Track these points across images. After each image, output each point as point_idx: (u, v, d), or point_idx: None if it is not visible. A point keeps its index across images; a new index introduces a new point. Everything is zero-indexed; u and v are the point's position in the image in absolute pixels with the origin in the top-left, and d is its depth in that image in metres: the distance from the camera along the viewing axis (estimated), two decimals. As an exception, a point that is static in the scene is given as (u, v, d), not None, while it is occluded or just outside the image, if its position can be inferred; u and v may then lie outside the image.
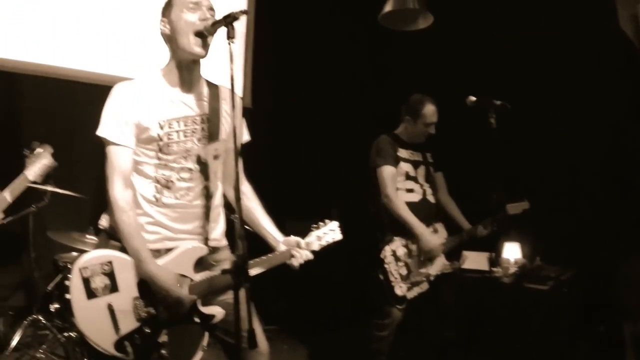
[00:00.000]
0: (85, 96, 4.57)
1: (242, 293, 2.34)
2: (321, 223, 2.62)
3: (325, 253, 2.65)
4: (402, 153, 3.84)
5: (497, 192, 3.61)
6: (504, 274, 4.30)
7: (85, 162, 4.24)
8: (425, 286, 3.71)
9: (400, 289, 3.62)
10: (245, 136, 2.58)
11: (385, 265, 3.63)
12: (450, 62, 5.30)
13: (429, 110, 3.80)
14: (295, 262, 2.48)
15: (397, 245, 3.69)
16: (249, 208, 2.57)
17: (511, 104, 3.52)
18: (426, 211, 3.81)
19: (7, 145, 4.70)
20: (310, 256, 2.51)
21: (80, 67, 4.81)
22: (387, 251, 3.67)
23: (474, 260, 4.26)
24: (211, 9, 2.34)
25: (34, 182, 2.87)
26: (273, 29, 5.97)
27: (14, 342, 3.87)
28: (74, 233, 4.06)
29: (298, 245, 2.49)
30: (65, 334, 3.76)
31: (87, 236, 3.97)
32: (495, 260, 4.30)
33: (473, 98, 3.58)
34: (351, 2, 5.85)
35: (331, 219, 2.70)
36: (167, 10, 2.36)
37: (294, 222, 3.73)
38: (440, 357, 3.98)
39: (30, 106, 4.83)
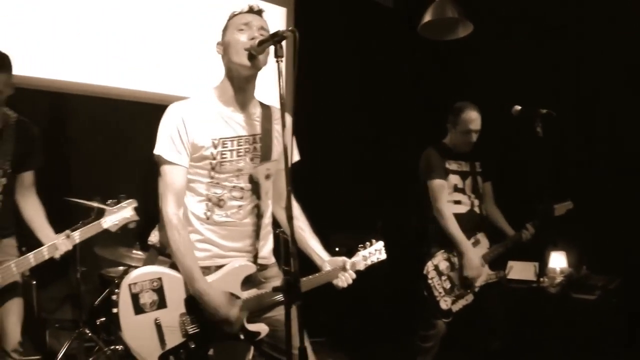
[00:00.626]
0: (132, 114, 4.69)
1: (293, 310, 2.42)
2: (367, 243, 2.66)
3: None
4: (451, 165, 3.84)
5: (544, 200, 3.60)
6: (550, 284, 4.23)
7: (131, 179, 4.32)
8: (470, 297, 3.67)
9: (445, 303, 3.61)
10: (295, 156, 2.58)
11: (429, 281, 3.63)
12: (492, 71, 5.24)
13: (468, 116, 3.76)
14: (340, 283, 2.50)
15: (439, 260, 3.70)
16: (296, 227, 2.55)
17: (556, 111, 3.46)
18: (472, 222, 3.79)
19: (57, 164, 4.86)
20: (354, 276, 2.53)
21: (126, 86, 4.90)
22: (429, 267, 3.67)
23: (520, 270, 4.20)
24: (262, 28, 2.36)
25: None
26: (310, 41, 5.94)
27: (60, 355, 3.96)
28: (120, 248, 4.12)
29: (344, 266, 2.52)
30: (111, 347, 3.84)
31: (134, 251, 4.04)
32: (542, 270, 4.23)
33: (518, 107, 3.52)
34: (392, 14, 5.84)
35: (375, 230, 2.71)
36: (223, 32, 2.42)
37: (337, 234, 3.74)
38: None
39: (79, 125, 4.96)
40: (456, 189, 3.81)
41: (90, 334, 4.02)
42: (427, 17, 4.41)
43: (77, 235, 2.87)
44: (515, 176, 4.72)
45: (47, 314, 4.46)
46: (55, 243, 2.79)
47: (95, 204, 3.11)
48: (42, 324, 4.19)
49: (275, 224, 2.67)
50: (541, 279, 4.19)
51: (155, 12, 5.00)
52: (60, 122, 4.93)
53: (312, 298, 4.35)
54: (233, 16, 2.42)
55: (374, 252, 2.67)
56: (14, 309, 2.90)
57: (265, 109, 2.51)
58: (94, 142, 4.82)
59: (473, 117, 3.76)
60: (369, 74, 5.97)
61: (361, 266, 2.60)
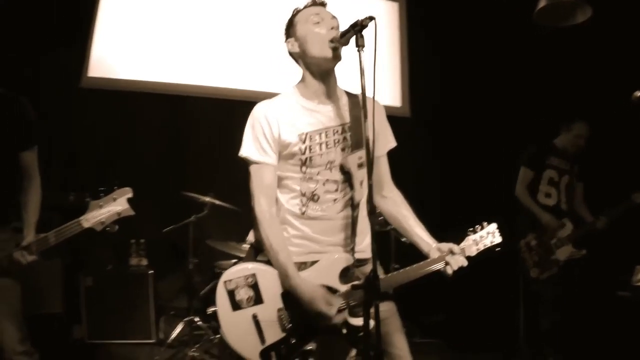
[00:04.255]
0: (244, 113, 4.86)
1: (390, 307, 2.34)
2: (478, 226, 2.45)
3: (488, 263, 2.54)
4: (553, 161, 4.29)
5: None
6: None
7: (243, 175, 4.49)
8: (555, 270, 4.13)
9: (534, 272, 4.17)
10: (391, 143, 2.52)
11: (522, 255, 4.22)
12: (613, 58, 4.90)
13: (580, 124, 4.25)
14: (449, 269, 2.32)
15: (530, 239, 4.21)
16: (398, 215, 2.49)
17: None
18: (556, 215, 4.20)
19: (174, 163, 5.19)
20: (465, 262, 2.34)
21: (239, 86, 5.18)
22: (522, 244, 4.23)
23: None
24: (333, 17, 2.35)
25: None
26: (430, 37, 5.89)
27: (170, 339, 4.23)
28: (231, 242, 4.28)
29: (451, 252, 2.33)
30: (218, 336, 3.97)
31: (244, 245, 4.11)
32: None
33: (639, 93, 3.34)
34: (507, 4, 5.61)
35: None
36: (291, 29, 2.39)
37: (457, 230, 3.66)
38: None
39: (194, 125, 5.30)
40: (551, 182, 4.27)
41: (199, 322, 4.25)
42: (543, 2, 4.17)
43: (53, 238, 2.50)
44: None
45: (163, 301, 4.77)
46: (12, 254, 2.49)
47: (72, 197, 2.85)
48: (157, 310, 4.46)
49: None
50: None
51: (260, 13, 5.23)
52: (176, 121, 5.29)
53: (425, 295, 4.38)
54: (298, 12, 2.39)
55: (486, 235, 2.43)
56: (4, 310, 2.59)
57: (352, 97, 2.44)
58: (209, 140, 5.09)
59: (583, 126, 4.25)
60: (484, 62, 5.76)
61: (472, 251, 2.39)
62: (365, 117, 2.06)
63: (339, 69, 2.36)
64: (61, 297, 4.24)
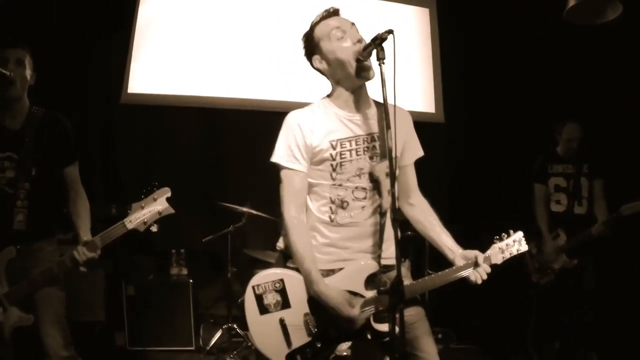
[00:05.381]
0: (279, 124, 4.95)
1: (417, 312, 2.35)
2: (504, 234, 2.44)
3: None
4: (556, 168, 4.36)
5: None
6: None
7: (279, 185, 4.56)
8: (552, 276, 4.24)
9: (534, 277, 4.35)
10: (418, 152, 2.55)
11: (525, 260, 4.37)
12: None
13: (568, 127, 4.29)
14: (473, 277, 2.33)
15: (532, 246, 4.28)
16: (425, 222, 2.50)
17: None
18: (568, 221, 4.22)
19: (212, 175, 5.34)
20: (489, 270, 2.33)
21: (273, 97, 5.29)
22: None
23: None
24: (352, 25, 2.38)
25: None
26: (462, 42, 5.88)
27: (209, 346, 4.33)
28: (268, 251, 4.39)
29: (476, 260, 2.33)
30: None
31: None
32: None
33: None
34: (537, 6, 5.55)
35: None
36: (313, 45, 2.43)
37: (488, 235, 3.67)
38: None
39: (231, 136, 5.43)
40: (558, 189, 4.33)
41: (237, 330, 4.35)
42: (572, 1, 4.12)
43: (99, 240, 2.62)
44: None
45: (202, 310, 4.88)
46: (73, 253, 2.61)
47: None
48: (197, 318, 4.56)
49: (406, 225, 2.59)
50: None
51: (291, 25, 5.25)
52: (213, 133, 5.43)
53: (462, 301, 4.37)
54: (316, 25, 2.42)
55: (512, 243, 2.42)
56: (46, 318, 2.68)
57: (380, 107, 2.41)
58: (246, 151, 5.19)
59: (572, 127, 4.28)
60: (517, 65, 5.69)
61: (498, 259, 2.38)
62: (388, 127, 2.10)
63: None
64: (103, 305, 4.37)
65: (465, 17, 5.84)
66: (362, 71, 2.31)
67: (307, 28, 2.46)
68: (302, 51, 2.49)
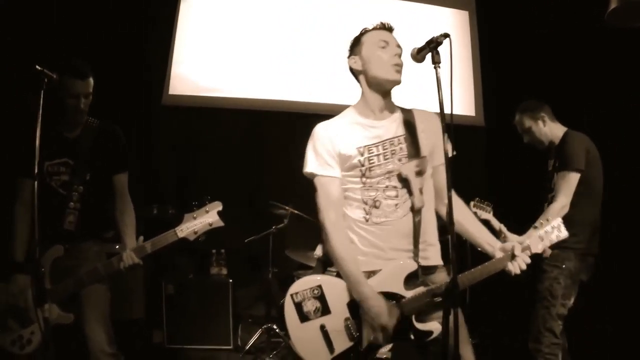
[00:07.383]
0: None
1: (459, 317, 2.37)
2: (543, 222, 2.43)
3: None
4: (548, 167, 3.95)
5: None
6: None
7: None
8: None
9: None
10: (449, 152, 2.57)
11: None
12: None
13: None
14: (512, 268, 2.32)
15: None
16: (462, 220, 2.49)
17: None
18: None
19: (253, 176, 5.36)
20: (528, 260, 2.33)
21: (313, 99, 5.30)
22: None
23: None
24: (398, 46, 2.43)
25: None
26: (502, 45, 5.78)
27: (248, 346, 4.35)
28: (309, 252, 4.38)
29: (515, 251, 2.34)
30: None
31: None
32: None
33: None
34: (575, 9, 5.44)
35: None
36: (356, 47, 2.49)
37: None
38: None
39: (272, 137, 5.45)
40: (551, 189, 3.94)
41: (277, 330, 4.35)
42: (614, 3, 4.03)
43: (149, 246, 2.71)
44: None
45: (241, 309, 4.90)
46: (122, 255, 2.70)
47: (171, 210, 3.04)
48: (235, 318, 4.58)
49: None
50: None
51: (333, 28, 5.33)
52: (254, 135, 5.44)
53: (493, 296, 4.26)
54: (366, 32, 2.49)
55: (551, 229, 2.40)
56: (93, 315, 2.77)
57: (406, 112, 2.52)
58: (284, 152, 5.20)
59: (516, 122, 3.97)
60: (557, 68, 5.59)
61: (539, 248, 2.38)
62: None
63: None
64: (143, 303, 4.44)
65: (505, 20, 5.74)
66: (396, 76, 2.39)
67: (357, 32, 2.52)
68: (347, 53, 2.55)
